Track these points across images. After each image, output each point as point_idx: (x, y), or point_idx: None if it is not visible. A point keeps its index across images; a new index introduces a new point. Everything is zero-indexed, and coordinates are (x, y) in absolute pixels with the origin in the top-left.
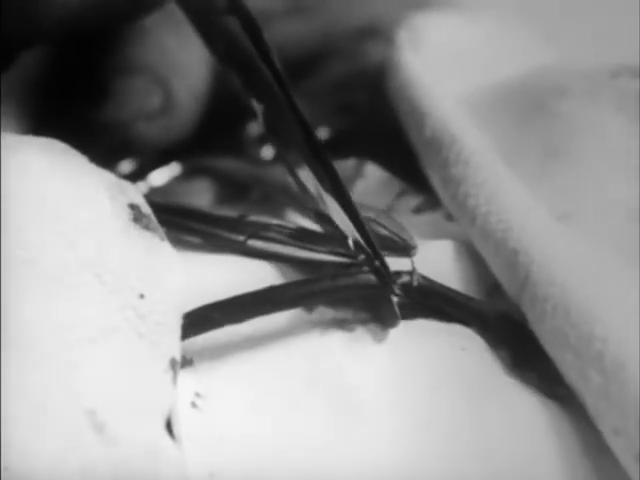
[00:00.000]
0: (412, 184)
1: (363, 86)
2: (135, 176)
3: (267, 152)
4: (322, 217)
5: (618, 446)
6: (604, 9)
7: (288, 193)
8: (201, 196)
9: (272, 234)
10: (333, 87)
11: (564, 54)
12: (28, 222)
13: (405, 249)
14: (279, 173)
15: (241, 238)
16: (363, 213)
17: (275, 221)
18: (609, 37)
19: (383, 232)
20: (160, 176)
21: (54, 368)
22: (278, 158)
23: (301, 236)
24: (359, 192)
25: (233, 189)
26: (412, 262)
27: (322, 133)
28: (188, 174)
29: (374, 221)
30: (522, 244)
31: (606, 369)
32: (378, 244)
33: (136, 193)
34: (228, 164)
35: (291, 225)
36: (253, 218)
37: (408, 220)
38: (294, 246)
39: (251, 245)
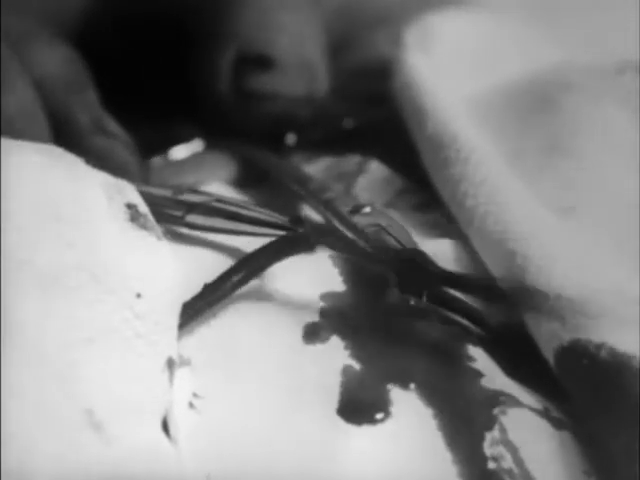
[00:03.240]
0: (414, 182)
1: (377, 77)
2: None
3: (290, 139)
4: (332, 210)
5: None
6: (609, 6)
7: (302, 185)
8: (220, 168)
9: (205, 211)
10: (352, 77)
11: (570, 51)
12: (27, 223)
13: None
14: (296, 165)
15: (178, 213)
16: (375, 218)
17: (208, 197)
18: (614, 34)
19: (391, 243)
20: (182, 151)
21: (52, 368)
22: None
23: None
24: (361, 187)
25: (252, 171)
26: None
27: (347, 123)
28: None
29: (384, 230)
30: (520, 245)
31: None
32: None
33: (133, 192)
34: (248, 149)
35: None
36: (185, 196)
37: (408, 217)
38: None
39: (191, 221)
